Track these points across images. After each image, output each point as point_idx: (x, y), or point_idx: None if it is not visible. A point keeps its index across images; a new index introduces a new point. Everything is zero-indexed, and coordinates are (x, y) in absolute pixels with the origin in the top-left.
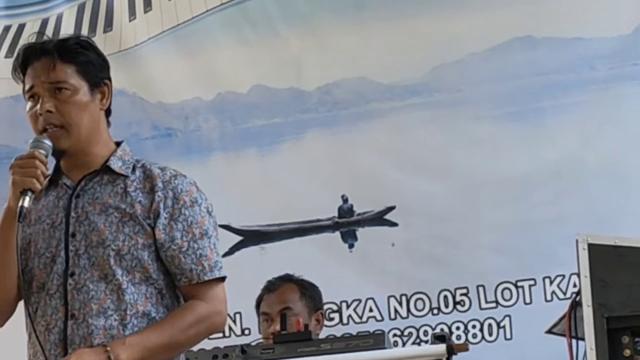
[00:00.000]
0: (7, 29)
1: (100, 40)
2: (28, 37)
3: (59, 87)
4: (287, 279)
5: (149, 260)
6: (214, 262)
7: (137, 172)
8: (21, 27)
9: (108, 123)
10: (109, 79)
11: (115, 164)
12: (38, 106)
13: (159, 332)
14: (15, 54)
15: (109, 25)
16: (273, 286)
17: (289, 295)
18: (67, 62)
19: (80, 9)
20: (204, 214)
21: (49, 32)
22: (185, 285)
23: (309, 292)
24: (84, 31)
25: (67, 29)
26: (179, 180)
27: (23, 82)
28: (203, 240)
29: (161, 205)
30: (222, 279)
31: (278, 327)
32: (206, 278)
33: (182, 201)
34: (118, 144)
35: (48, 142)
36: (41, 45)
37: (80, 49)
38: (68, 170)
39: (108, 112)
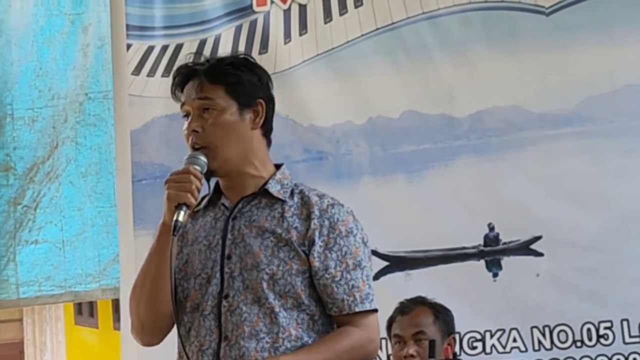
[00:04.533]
0: (164, 48)
1: None
2: (185, 57)
3: (206, 107)
4: (420, 301)
5: (302, 287)
6: (365, 294)
7: (295, 198)
8: (178, 48)
9: (269, 142)
10: (264, 98)
11: (274, 188)
12: (187, 125)
13: (313, 354)
14: (173, 74)
15: (264, 47)
16: (406, 309)
17: (423, 319)
18: (215, 83)
19: (237, 31)
20: (359, 244)
21: (206, 53)
22: (337, 315)
23: (443, 315)
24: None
25: (224, 50)
26: (336, 210)
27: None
28: (356, 271)
29: (316, 233)
30: (373, 310)
31: (411, 351)
32: (357, 309)
33: (338, 230)
34: (278, 166)
35: (203, 159)
36: (192, 65)
37: (231, 70)
38: (227, 191)
39: (268, 131)
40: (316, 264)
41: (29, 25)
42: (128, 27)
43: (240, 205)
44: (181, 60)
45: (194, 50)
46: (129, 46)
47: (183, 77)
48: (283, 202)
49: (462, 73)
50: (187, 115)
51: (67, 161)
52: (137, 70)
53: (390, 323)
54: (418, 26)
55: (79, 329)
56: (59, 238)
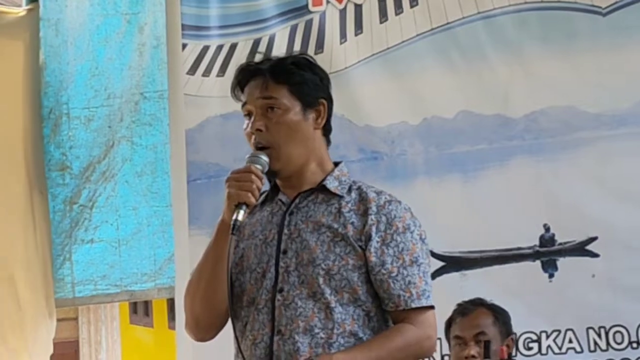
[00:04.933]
0: (219, 48)
1: None
2: (240, 56)
3: (270, 106)
4: (479, 303)
5: (358, 282)
6: (422, 290)
7: (353, 194)
8: (233, 47)
9: (328, 141)
10: (326, 98)
11: (332, 184)
12: (250, 124)
13: (366, 351)
14: (227, 73)
15: (320, 47)
16: (466, 310)
17: (483, 320)
18: (280, 82)
19: (293, 30)
20: (416, 240)
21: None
22: (393, 311)
23: (502, 317)
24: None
25: (279, 50)
26: (394, 206)
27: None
28: (413, 268)
29: (373, 228)
30: (430, 307)
31: (472, 352)
32: (413, 305)
33: (395, 227)
34: (336, 164)
35: (265, 158)
36: (256, 65)
37: (294, 69)
38: (284, 187)
39: (328, 131)
40: (373, 259)
41: (85, 25)
42: (183, 26)
43: (297, 201)
44: (236, 60)
45: (248, 50)
46: (184, 46)
47: (245, 76)
48: (340, 197)
49: (518, 73)
50: (248, 114)
51: (122, 160)
52: (193, 70)
53: (449, 324)
54: (473, 26)
55: (134, 328)
56: (114, 237)
